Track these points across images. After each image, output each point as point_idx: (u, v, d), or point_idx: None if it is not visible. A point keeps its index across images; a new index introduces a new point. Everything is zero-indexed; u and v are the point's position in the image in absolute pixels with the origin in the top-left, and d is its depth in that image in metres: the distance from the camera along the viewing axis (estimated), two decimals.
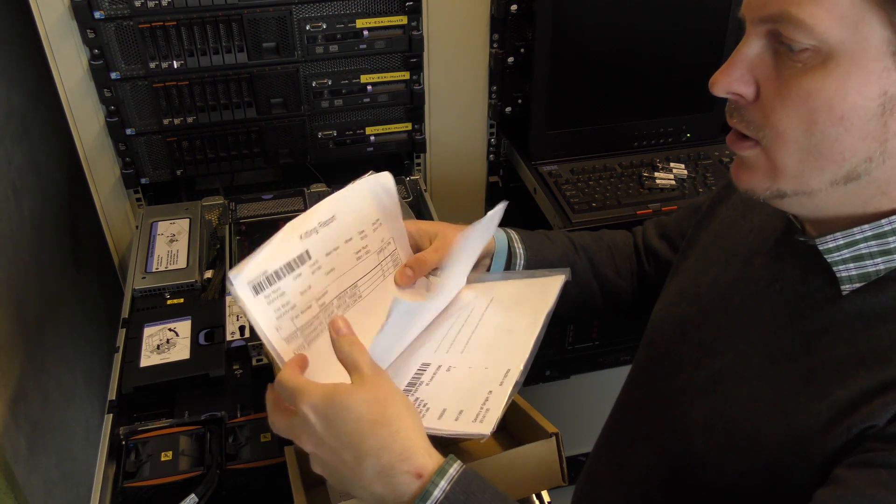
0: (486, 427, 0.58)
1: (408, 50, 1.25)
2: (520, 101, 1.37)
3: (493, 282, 0.80)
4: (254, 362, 0.95)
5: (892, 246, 0.55)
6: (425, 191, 1.33)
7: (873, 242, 0.56)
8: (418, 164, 1.40)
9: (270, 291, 0.61)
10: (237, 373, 0.95)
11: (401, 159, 1.40)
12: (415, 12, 1.22)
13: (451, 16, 1.25)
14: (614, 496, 0.77)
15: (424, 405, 0.63)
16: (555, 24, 1.24)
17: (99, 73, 1.13)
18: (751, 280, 0.66)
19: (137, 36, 1.12)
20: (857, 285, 0.57)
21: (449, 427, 0.60)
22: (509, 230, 0.86)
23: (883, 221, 0.55)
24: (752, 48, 0.54)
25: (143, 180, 1.25)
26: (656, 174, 1.31)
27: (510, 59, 1.32)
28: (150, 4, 1.10)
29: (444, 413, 0.61)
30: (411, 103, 1.31)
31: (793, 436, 0.57)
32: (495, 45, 1.31)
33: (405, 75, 1.28)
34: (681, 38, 1.30)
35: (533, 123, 1.33)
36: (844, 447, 0.54)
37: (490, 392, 0.62)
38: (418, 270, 0.76)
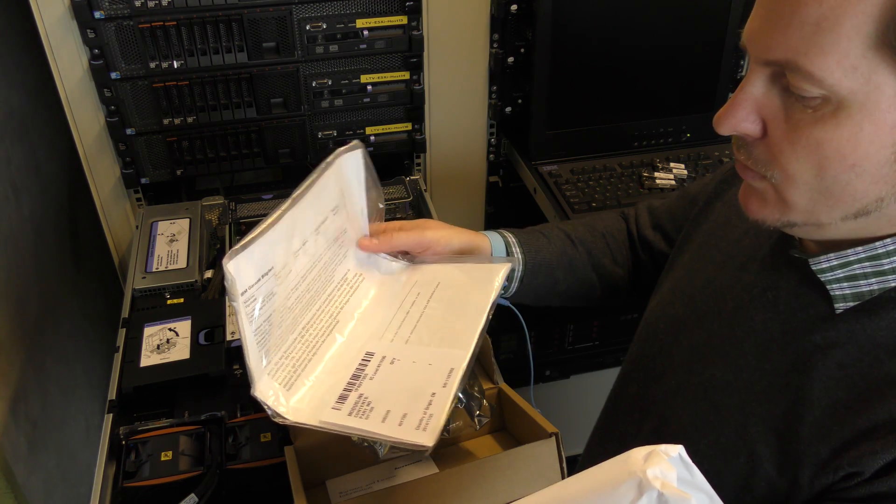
0: (430, 437, 0.56)
1: (408, 50, 1.25)
2: (520, 101, 1.37)
3: (438, 265, 0.78)
4: None
5: (886, 268, 0.55)
6: (425, 191, 1.33)
7: (867, 264, 0.55)
8: (418, 164, 1.40)
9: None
10: (237, 373, 0.95)
11: (401, 159, 1.40)
12: (415, 12, 1.22)
13: (451, 16, 1.25)
14: None
15: (369, 404, 0.62)
16: (555, 24, 1.24)
17: (99, 73, 1.13)
18: (745, 286, 0.66)
19: (137, 36, 1.12)
20: (851, 304, 0.56)
21: (392, 434, 0.58)
22: (505, 233, 0.85)
23: (877, 244, 0.54)
24: (757, 87, 0.52)
25: (143, 180, 1.25)
26: (656, 174, 1.31)
27: (510, 59, 1.32)
28: (150, 4, 1.10)
29: (387, 416, 0.60)
30: (411, 103, 1.31)
31: (783, 456, 0.57)
32: (495, 45, 1.31)
33: (405, 75, 1.28)
34: (681, 38, 1.30)
35: (533, 123, 1.33)
36: (831, 486, 0.54)
37: (433, 394, 0.61)
38: (382, 242, 0.75)
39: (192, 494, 0.76)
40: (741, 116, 0.53)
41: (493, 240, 0.84)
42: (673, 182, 1.30)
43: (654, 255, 0.87)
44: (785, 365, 0.59)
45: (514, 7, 1.26)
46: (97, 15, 1.08)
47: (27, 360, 1.12)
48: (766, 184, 0.55)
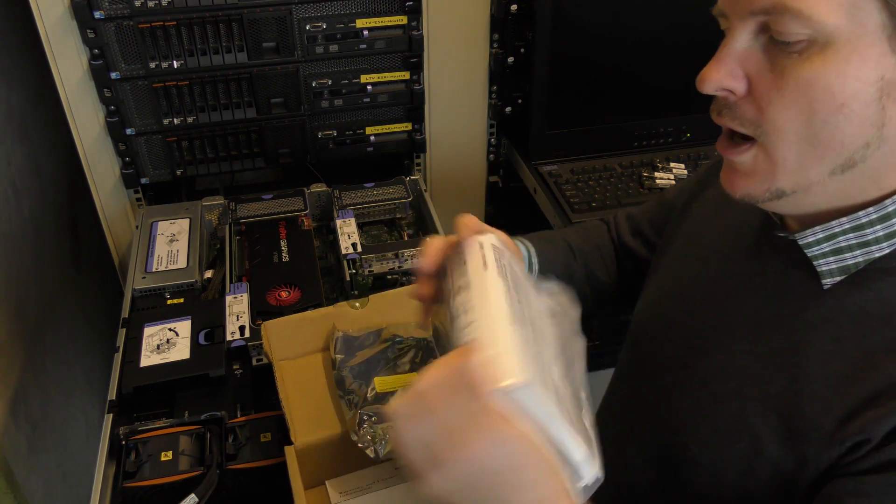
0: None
1: (408, 50, 1.25)
2: (520, 101, 1.37)
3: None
4: (254, 362, 0.95)
5: (869, 238, 0.55)
6: (425, 191, 1.33)
7: (851, 235, 0.56)
8: (418, 164, 1.40)
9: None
10: (237, 373, 0.95)
11: (401, 159, 1.40)
12: (415, 12, 1.22)
13: (451, 16, 1.25)
14: (604, 496, 0.78)
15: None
16: (555, 24, 1.24)
17: (99, 73, 1.13)
18: (732, 277, 0.66)
19: (137, 36, 1.12)
20: (838, 278, 0.57)
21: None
22: (525, 241, 0.85)
23: (860, 214, 0.55)
24: (739, 42, 0.53)
25: (143, 180, 1.25)
26: (656, 174, 1.31)
27: (510, 59, 1.32)
28: (150, 4, 1.10)
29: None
30: (411, 103, 1.31)
31: (785, 436, 0.57)
32: (495, 45, 1.31)
33: (405, 75, 1.28)
34: (681, 37, 1.30)
35: (533, 123, 1.33)
36: (839, 459, 0.54)
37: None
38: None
39: (192, 494, 0.76)
40: (725, 71, 0.53)
41: (521, 247, 0.83)
42: (673, 182, 1.30)
43: (636, 261, 0.88)
44: (779, 345, 0.60)
45: (514, 7, 1.26)
46: (97, 15, 1.08)
47: (27, 360, 1.12)
48: (753, 151, 0.55)
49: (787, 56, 0.50)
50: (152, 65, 1.14)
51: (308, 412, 0.84)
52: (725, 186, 0.59)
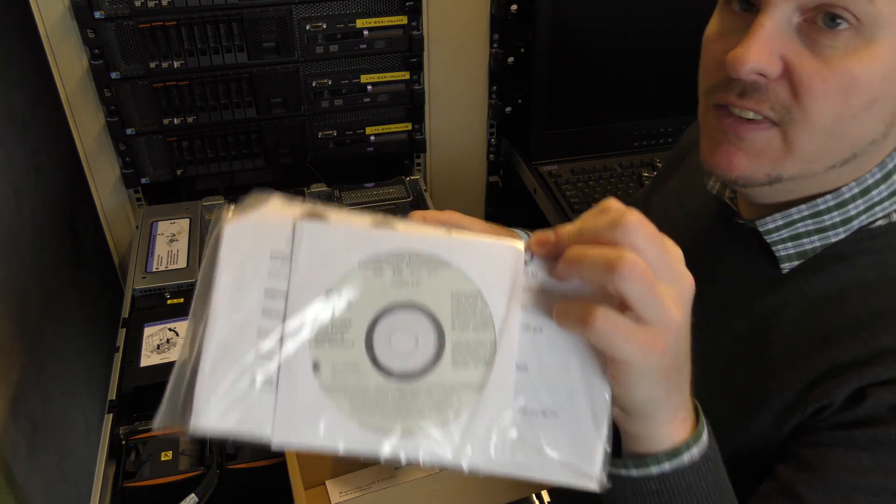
0: None
1: (408, 50, 1.25)
2: (520, 101, 1.37)
3: None
4: None
5: (826, 224, 0.57)
6: (425, 191, 1.33)
7: (810, 221, 0.57)
8: (418, 164, 1.40)
9: None
10: None
11: (401, 159, 1.40)
12: (415, 12, 1.22)
13: (451, 16, 1.25)
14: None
15: None
16: (555, 24, 1.24)
17: (99, 73, 1.13)
18: (693, 267, 0.67)
19: (137, 36, 1.12)
20: (796, 263, 0.58)
21: None
22: (527, 231, 0.86)
23: (818, 201, 0.56)
24: (777, 22, 0.49)
25: (143, 180, 1.25)
26: (656, 174, 1.31)
27: (510, 59, 1.32)
28: (150, 4, 1.10)
29: None
30: (411, 103, 1.31)
31: (750, 419, 0.58)
32: (495, 45, 1.31)
33: (405, 75, 1.28)
34: (681, 37, 1.30)
35: (533, 123, 1.33)
36: (800, 427, 0.55)
37: None
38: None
39: (192, 494, 0.76)
40: (765, 53, 0.49)
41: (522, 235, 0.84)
42: None
43: None
44: (742, 332, 0.61)
45: (514, 7, 1.26)
46: (97, 15, 1.08)
47: (27, 360, 1.12)
48: (770, 133, 0.53)
49: (831, 45, 0.48)
50: (152, 65, 1.14)
51: None
52: (719, 165, 0.56)
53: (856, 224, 0.56)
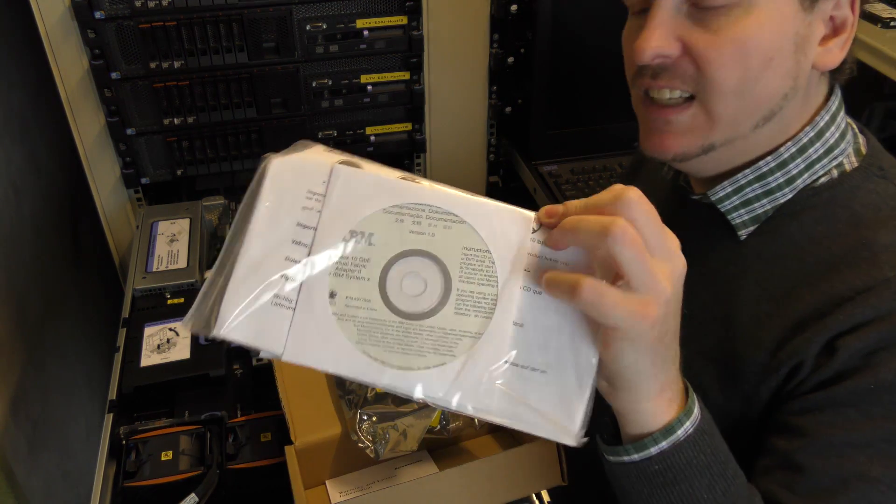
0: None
1: (408, 50, 1.25)
2: (520, 101, 1.37)
3: None
4: (254, 362, 0.96)
5: (772, 185, 0.61)
6: None
7: (756, 185, 0.61)
8: (418, 164, 1.40)
9: None
10: (237, 373, 0.95)
11: (401, 159, 1.40)
12: (415, 12, 1.22)
13: (451, 16, 1.25)
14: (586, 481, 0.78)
15: None
16: (555, 24, 1.24)
17: (99, 73, 1.13)
18: None
19: (138, 36, 1.12)
20: (751, 228, 0.62)
21: None
22: None
23: (760, 163, 0.60)
24: (667, 10, 0.56)
25: (143, 180, 1.25)
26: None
27: (510, 59, 1.32)
28: (151, 4, 1.10)
29: None
30: (411, 103, 1.31)
31: (727, 381, 0.60)
32: (495, 45, 1.31)
33: (405, 75, 1.28)
34: None
35: (533, 123, 1.33)
36: (781, 393, 0.57)
37: None
38: None
39: (193, 494, 0.76)
40: (662, 38, 0.56)
41: None
42: None
43: None
44: (709, 300, 0.63)
45: (514, 7, 1.26)
46: (97, 15, 1.08)
47: (27, 360, 1.12)
48: (692, 109, 0.58)
49: (717, 17, 0.54)
50: (153, 65, 1.15)
51: (308, 412, 0.84)
52: (654, 149, 0.61)
53: (799, 183, 0.60)
